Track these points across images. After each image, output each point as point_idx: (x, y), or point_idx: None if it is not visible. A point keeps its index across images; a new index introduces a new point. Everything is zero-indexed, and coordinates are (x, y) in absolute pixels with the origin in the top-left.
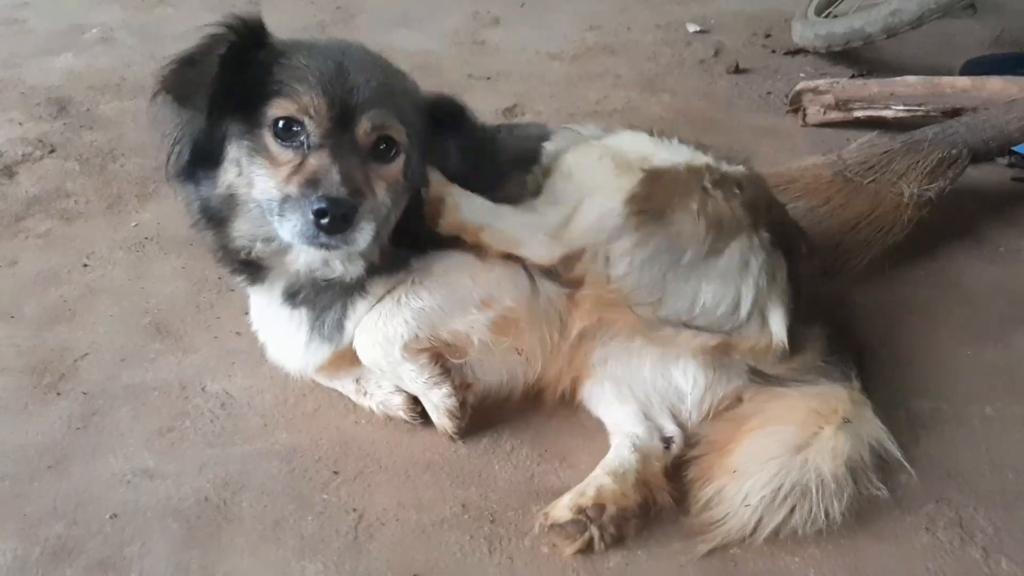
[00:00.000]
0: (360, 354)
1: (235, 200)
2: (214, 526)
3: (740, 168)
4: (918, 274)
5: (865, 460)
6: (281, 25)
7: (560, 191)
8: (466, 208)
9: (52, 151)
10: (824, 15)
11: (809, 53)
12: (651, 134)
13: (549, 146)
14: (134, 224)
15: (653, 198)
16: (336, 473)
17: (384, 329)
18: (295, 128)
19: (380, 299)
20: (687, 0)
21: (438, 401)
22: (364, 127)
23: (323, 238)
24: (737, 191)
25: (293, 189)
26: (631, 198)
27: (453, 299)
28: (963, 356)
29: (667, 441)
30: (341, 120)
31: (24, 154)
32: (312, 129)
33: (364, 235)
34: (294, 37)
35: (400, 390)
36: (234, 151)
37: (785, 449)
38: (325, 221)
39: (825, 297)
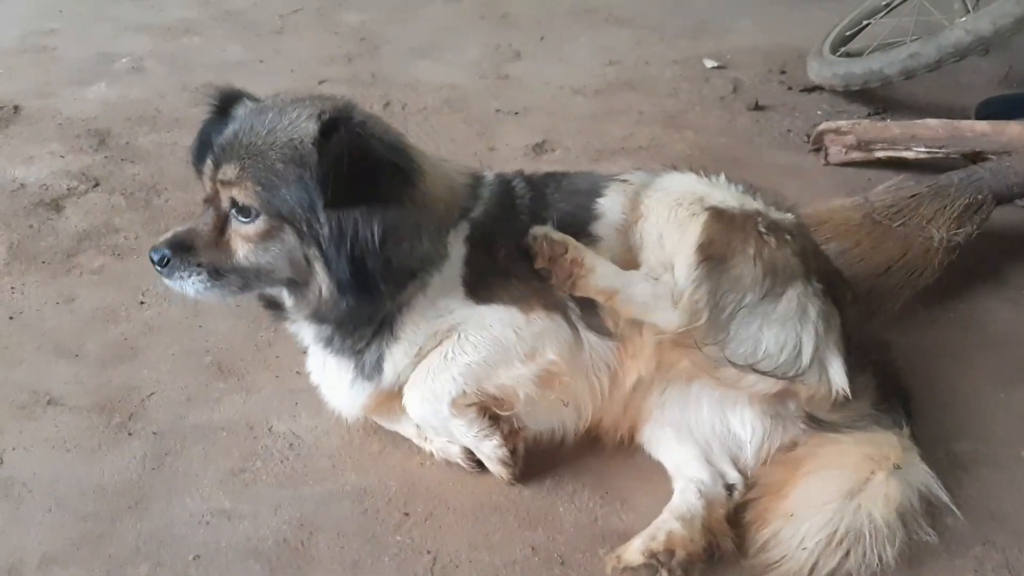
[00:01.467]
0: (409, 411)
1: None
2: (295, 567)
3: (789, 216)
4: (947, 317)
5: (915, 506)
6: (307, 57)
7: (653, 258)
8: (601, 273)
9: (96, 185)
10: (839, 53)
11: (825, 90)
12: (699, 174)
13: (603, 202)
14: None
15: (717, 243)
16: (407, 515)
17: (432, 386)
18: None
19: (421, 349)
20: (701, 34)
21: (489, 452)
22: (212, 186)
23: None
24: (788, 238)
25: None
26: (700, 246)
27: (498, 354)
28: (996, 398)
29: (730, 488)
30: (213, 183)
31: (69, 188)
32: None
33: (182, 278)
34: (273, 96)
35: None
36: None
37: (839, 494)
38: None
39: (868, 342)
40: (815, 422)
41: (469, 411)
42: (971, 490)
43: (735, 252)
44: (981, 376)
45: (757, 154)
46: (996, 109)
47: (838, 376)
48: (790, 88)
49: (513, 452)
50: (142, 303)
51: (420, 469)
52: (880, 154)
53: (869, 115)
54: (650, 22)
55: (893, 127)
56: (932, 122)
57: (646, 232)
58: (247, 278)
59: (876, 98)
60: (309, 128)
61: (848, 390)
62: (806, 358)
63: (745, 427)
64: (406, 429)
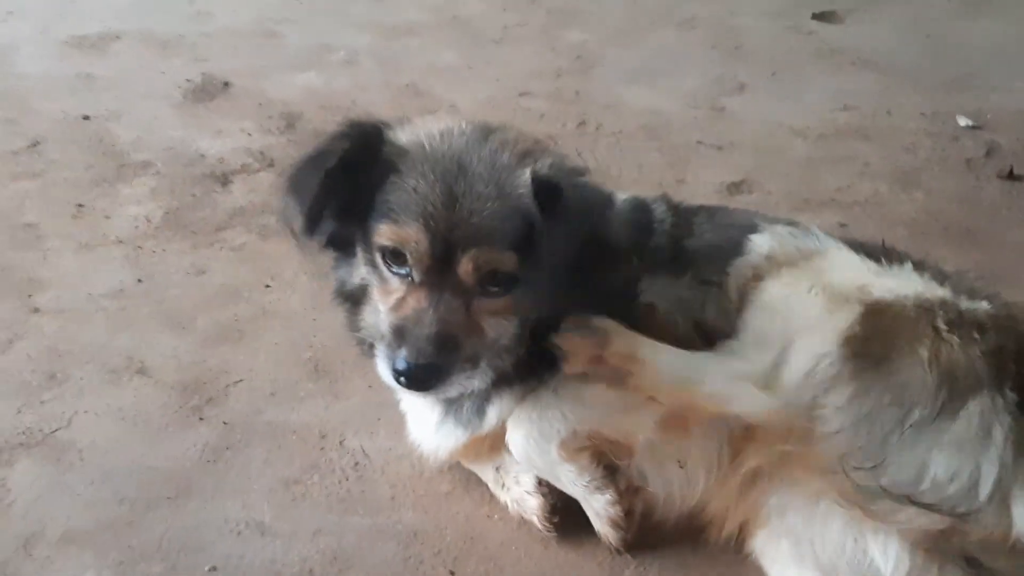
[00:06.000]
0: (513, 450)
1: (367, 291)
2: None
3: (984, 305)
4: None
5: None
6: (516, 69)
7: (762, 329)
8: (664, 367)
9: (270, 165)
10: None
11: None
12: (879, 259)
13: (758, 240)
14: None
15: (874, 340)
16: (452, 573)
17: (539, 424)
18: (403, 255)
19: (532, 386)
20: (961, 89)
21: (600, 508)
22: (465, 268)
23: (406, 389)
24: (977, 336)
25: (387, 329)
26: (848, 339)
27: (615, 389)
28: None
29: None
30: (443, 258)
31: (243, 165)
32: (413, 264)
33: (459, 384)
34: (421, 139)
35: (539, 492)
36: (361, 257)
37: None
38: (404, 380)
39: None
40: (974, 567)
41: (581, 456)
42: None
43: (902, 353)
44: None
45: (999, 229)
46: None
47: (1022, 517)
48: None
49: (628, 513)
50: (267, 287)
51: (485, 522)
52: None
53: None
54: (903, 70)
55: None
56: None
57: (766, 292)
58: (488, 356)
59: None
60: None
61: None
62: (984, 492)
63: (888, 557)
64: (485, 472)
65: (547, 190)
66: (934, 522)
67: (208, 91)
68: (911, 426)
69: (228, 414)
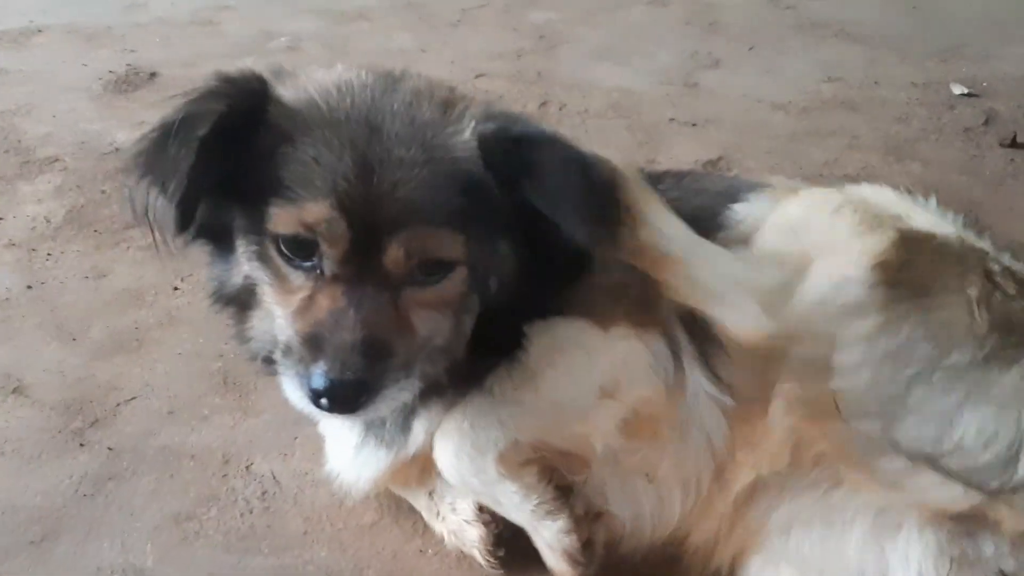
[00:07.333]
0: (442, 468)
1: (255, 292)
2: None
3: None
4: None
5: None
6: (474, 51)
7: (776, 247)
8: (665, 230)
9: None
10: None
11: None
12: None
13: (741, 209)
14: None
15: (913, 268)
16: None
17: (472, 434)
18: (309, 244)
19: (464, 391)
20: (953, 58)
21: (552, 539)
22: (395, 256)
23: (327, 412)
24: None
25: (295, 339)
26: (881, 264)
27: (565, 388)
28: None
29: None
30: (364, 243)
31: None
32: (326, 252)
33: (392, 398)
34: (314, 96)
35: (480, 521)
36: (243, 249)
37: None
38: (325, 402)
39: None
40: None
41: (526, 472)
42: None
43: (946, 289)
44: None
45: (1007, 200)
46: None
47: None
48: None
49: (587, 544)
50: (176, 289)
51: (416, 559)
52: None
53: None
54: (891, 41)
55: None
56: None
57: (778, 215)
58: (420, 360)
59: None
60: (476, 138)
61: None
62: None
63: (909, 569)
64: (417, 499)
65: (502, 150)
66: (956, 498)
67: (132, 82)
68: (945, 369)
69: (115, 438)
